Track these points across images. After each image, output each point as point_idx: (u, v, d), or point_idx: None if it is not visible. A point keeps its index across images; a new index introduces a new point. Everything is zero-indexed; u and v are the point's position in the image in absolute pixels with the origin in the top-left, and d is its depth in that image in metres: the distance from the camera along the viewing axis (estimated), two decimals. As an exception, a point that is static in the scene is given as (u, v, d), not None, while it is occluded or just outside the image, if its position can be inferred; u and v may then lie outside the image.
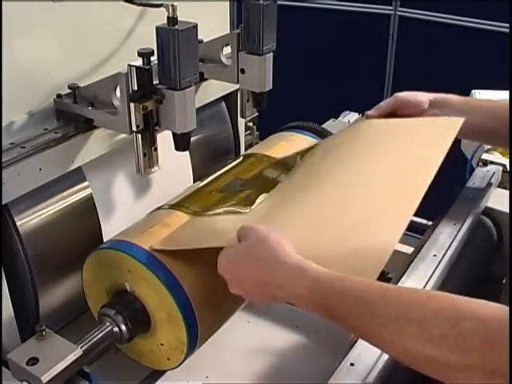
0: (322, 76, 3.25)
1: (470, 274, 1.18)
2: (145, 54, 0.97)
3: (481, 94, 2.27)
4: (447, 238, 1.15)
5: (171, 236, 1.00)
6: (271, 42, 1.15)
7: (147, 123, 1.01)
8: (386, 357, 0.88)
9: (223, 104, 1.42)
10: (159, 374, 1.09)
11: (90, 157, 1.07)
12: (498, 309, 0.67)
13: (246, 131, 1.73)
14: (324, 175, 1.08)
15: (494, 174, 1.38)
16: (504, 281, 1.33)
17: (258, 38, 1.13)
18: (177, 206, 1.09)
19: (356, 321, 0.76)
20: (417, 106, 1.24)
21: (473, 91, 2.24)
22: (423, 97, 1.25)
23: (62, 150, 1.02)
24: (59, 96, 1.06)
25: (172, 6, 0.94)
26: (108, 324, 0.97)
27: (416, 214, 1.48)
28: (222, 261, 0.89)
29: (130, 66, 0.97)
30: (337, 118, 1.59)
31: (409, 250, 1.31)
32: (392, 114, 1.27)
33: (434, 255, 1.09)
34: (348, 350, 0.89)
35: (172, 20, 0.95)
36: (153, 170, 1.08)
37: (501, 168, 1.41)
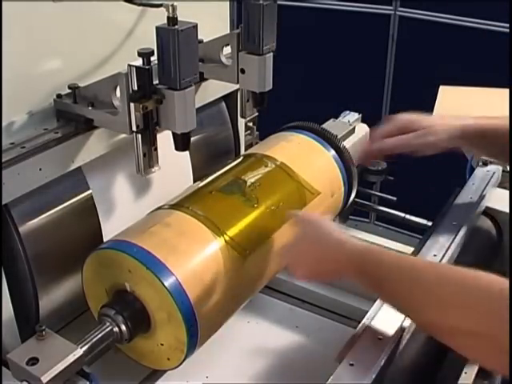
0: (321, 76, 3.24)
1: (470, 273, 1.18)
2: (145, 54, 0.97)
3: (447, 90, 2.28)
4: (447, 238, 1.15)
5: None
6: (271, 42, 1.15)
7: (147, 123, 1.01)
8: (385, 357, 0.88)
9: (223, 104, 1.42)
10: (159, 374, 1.09)
11: (89, 157, 1.07)
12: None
13: (246, 131, 1.73)
14: None
15: (493, 173, 1.38)
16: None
17: (258, 38, 1.13)
18: (177, 205, 1.09)
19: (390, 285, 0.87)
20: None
21: (440, 87, 2.25)
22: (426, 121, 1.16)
23: (62, 150, 1.02)
24: (59, 96, 1.06)
25: (172, 5, 0.94)
26: (108, 324, 0.97)
27: (416, 214, 1.50)
28: (286, 253, 1.03)
29: (130, 66, 0.97)
30: (337, 117, 1.59)
31: (409, 250, 1.31)
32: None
33: (434, 255, 1.09)
34: (348, 350, 0.89)
35: (172, 20, 0.95)
36: (153, 169, 1.08)
37: (501, 168, 1.40)
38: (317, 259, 0.96)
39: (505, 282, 0.73)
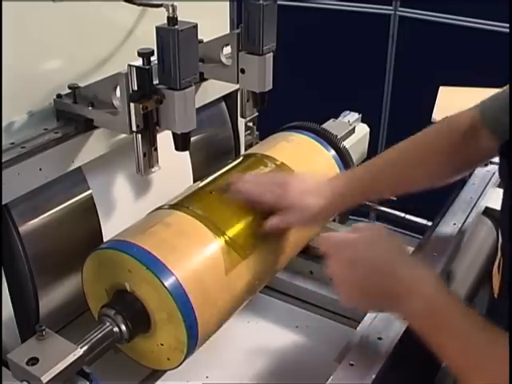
0: (321, 76, 3.25)
1: (470, 274, 1.18)
2: (145, 54, 0.97)
3: (447, 91, 2.28)
4: (447, 238, 1.15)
5: None
6: (271, 42, 1.15)
7: (147, 123, 1.01)
8: (385, 357, 0.88)
9: (223, 104, 1.42)
10: (159, 374, 1.09)
11: (89, 157, 1.07)
12: None
13: (246, 131, 1.73)
14: None
15: (494, 173, 1.38)
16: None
17: (258, 38, 1.13)
18: (177, 205, 1.09)
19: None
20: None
21: (440, 88, 2.25)
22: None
23: (62, 150, 1.02)
24: (59, 96, 1.06)
25: (172, 5, 0.94)
26: (108, 324, 0.97)
27: (416, 214, 1.50)
28: (335, 267, 0.83)
29: (130, 66, 0.97)
30: (337, 117, 1.59)
31: (409, 250, 1.31)
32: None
33: (434, 255, 1.09)
34: (348, 350, 0.89)
35: (172, 20, 0.95)
36: (153, 169, 1.08)
37: (501, 168, 1.40)
38: (373, 285, 0.80)
39: None
